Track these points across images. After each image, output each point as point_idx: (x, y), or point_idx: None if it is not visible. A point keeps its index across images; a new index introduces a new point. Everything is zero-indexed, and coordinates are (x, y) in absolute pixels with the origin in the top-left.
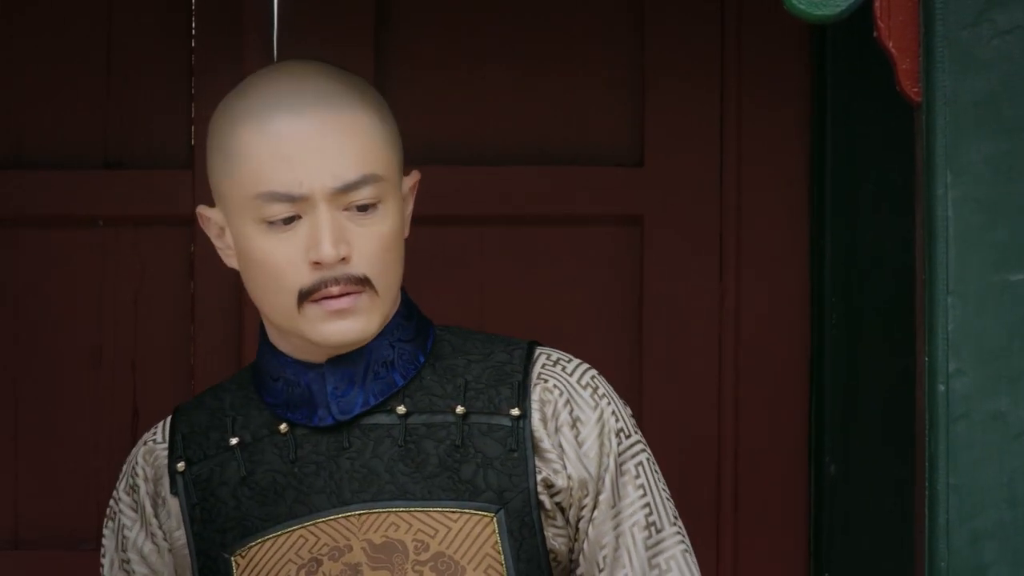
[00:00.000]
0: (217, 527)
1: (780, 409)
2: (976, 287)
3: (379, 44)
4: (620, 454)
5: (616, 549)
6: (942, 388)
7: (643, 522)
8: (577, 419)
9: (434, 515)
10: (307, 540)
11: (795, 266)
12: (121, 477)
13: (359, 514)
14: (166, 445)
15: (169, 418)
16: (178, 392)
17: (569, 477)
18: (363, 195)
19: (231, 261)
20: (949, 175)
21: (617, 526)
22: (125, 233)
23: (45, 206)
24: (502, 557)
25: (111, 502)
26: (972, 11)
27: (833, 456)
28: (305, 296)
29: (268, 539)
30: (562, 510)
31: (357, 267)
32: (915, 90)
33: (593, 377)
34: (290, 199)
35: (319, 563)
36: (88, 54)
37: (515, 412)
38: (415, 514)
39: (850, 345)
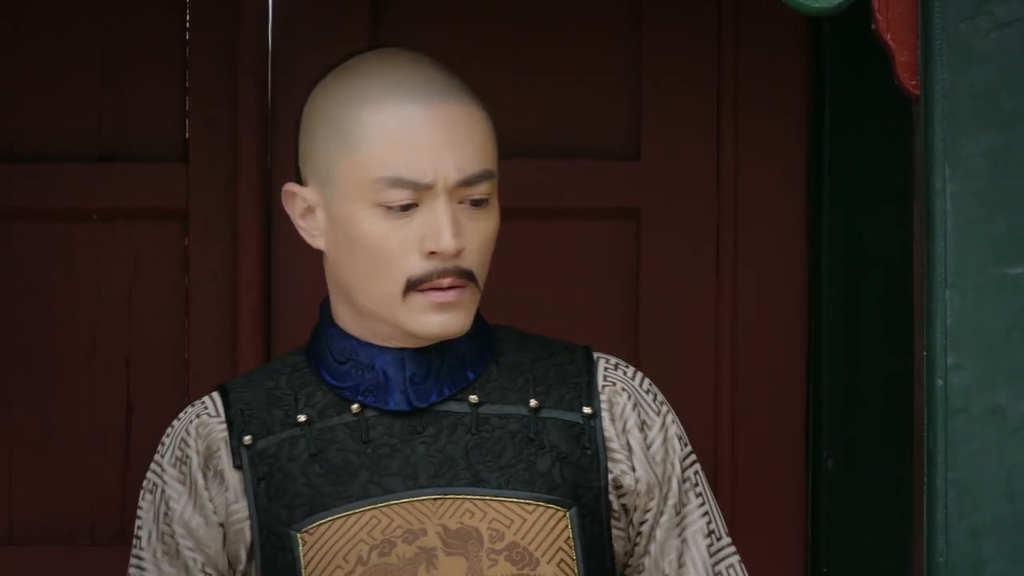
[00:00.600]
0: (284, 503)
1: (778, 407)
2: (975, 280)
3: (375, 41)
4: (683, 460)
5: (681, 555)
6: (940, 382)
7: (704, 529)
8: (644, 423)
9: (510, 505)
10: (380, 521)
11: (792, 263)
12: (163, 450)
13: (434, 498)
14: (222, 419)
15: (217, 394)
16: (173, 387)
17: (637, 480)
18: (479, 190)
19: (316, 242)
20: (947, 168)
21: (682, 532)
22: (119, 226)
23: (39, 199)
24: (574, 552)
25: (150, 475)
26: (971, 3)
27: (831, 453)
28: (413, 285)
29: (339, 518)
30: (626, 511)
31: (466, 261)
32: (913, 83)
33: (651, 384)
34: (414, 186)
35: (392, 545)
36: (83, 48)
37: (587, 410)
38: (490, 503)
39: (848, 342)
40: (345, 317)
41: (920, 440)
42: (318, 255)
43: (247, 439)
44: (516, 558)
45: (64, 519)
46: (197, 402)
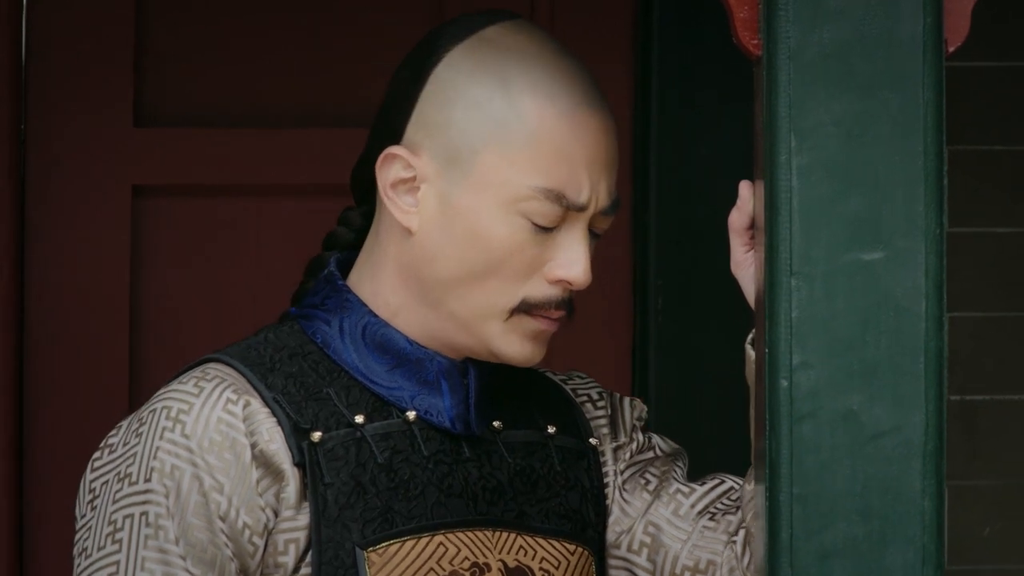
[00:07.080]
0: (353, 516)
1: None
2: (824, 267)
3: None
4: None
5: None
6: (784, 383)
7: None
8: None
9: (554, 543)
10: (447, 549)
11: (616, 245)
12: (184, 428)
13: (492, 530)
14: (262, 402)
15: (230, 368)
16: None
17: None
18: (608, 222)
19: (407, 219)
20: (793, 139)
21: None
22: None
23: None
24: None
25: (164, 456)
26: None
27: None
28: (525, 308)
29: (409, 539)
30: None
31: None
32: (754, 42)
33: (582, 376)
34: (570, 206)
35: None
36: None
37: (593, 441)
38: (538, 540)
39: (680, 337)
40: (406, 314)
41: (761, 450)
42: (84, 233)
43: (316, 436)
44: None
45: None
46: (210, 373)
